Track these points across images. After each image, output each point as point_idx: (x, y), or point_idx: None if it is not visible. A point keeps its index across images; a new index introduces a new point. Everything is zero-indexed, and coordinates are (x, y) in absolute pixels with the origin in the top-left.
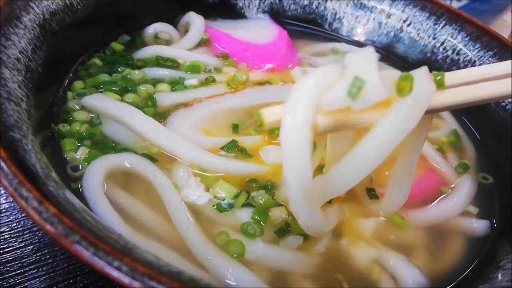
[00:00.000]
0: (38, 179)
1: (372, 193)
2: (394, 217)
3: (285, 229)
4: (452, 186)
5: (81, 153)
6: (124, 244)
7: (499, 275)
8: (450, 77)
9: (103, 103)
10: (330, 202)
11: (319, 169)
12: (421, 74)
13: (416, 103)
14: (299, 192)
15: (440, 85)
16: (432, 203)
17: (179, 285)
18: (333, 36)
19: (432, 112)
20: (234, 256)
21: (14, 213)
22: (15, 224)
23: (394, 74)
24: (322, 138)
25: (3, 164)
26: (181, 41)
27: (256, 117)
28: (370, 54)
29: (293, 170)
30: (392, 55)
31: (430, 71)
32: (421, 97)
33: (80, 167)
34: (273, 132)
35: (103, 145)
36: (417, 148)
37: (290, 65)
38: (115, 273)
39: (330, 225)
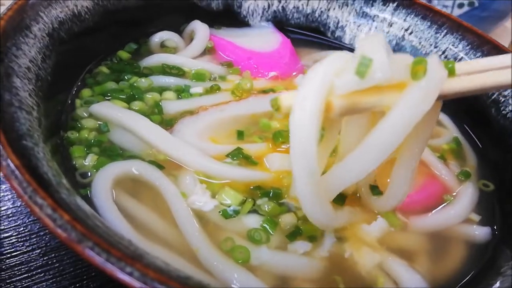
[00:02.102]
0: (50, 186)
1: (376, 190)
2: (390, 216)
3: (296, 233)
4: (454, 194)
5: (90, 160)
6: (134, 250)
7: (499, 282)
8: (460, 67)
9: (111, 110)
10: (341, 204)
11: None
12: (434, 60)
13: (430, 86)
14: (305, 178)
15: (451, 72)
16: (435, 210)
17: None
18: (336, 44)
19: (443, 98)
20: (239, 262)
21: (21, 217)
22: (22, 229)
23: (408, 58)
24: (336, 124)
25: (17, 172)
26: (186, 49)
27: (273, 102)
28: (379, 37)
29: (299, 153)
30: None
31: None
32: (435, 81)
33: (89, 174)
34: (278, 140)
35: (111, 152)
36: (425, 136)
37: (294, 73)
38: (126, 278)
39: (339, 221)
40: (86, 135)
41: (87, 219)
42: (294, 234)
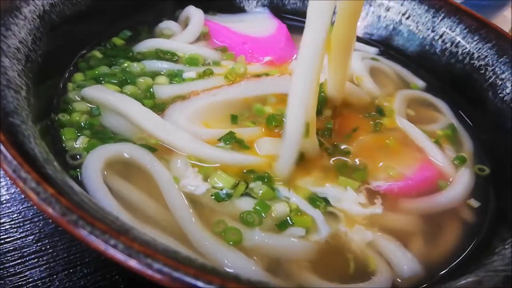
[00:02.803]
0: (36, 161)
1: None
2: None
3: (287, 223)
4: (450, 179)
5: (81, 142)
6: (120, 224)
7: (494, 261)
8: None
9: (103, 94)
10: None
11: None
12: None
13: None
14: None
15: None
16: (431, 195)
17: (174, 263)
18: None
19: None
20: (231, 243)
21: (15, 204)
22: (16, 215)
23: None
24: None
25: (2, 148)
26: (181, 35)
27: None
28: None
29: None
30: (391, 48)
31: (429, 63)
32: None
33: (79, 156)
34: (271, 124)
35: (102, 135)
36: None
37: (292, 59)
38: (111, 251)
39: None
40: (78, 118)
41: (73, 194)
42: (284, 224)
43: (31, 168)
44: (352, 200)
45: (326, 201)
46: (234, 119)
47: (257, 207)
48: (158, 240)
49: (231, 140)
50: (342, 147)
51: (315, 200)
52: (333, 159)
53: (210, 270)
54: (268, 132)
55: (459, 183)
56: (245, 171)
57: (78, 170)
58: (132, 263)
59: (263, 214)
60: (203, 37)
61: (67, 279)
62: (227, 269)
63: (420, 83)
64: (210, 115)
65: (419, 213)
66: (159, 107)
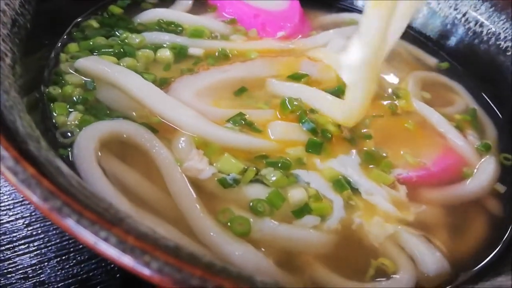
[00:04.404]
0: (16, 136)
1: None
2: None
3: (304, 210)
4: (476, 167)
5: (73, 118)
6: (114, 213)
7: None
8: None
9: (99, 66)
10: None
11: None
12: None
13: None
14: None
15: None
16: (454, 184)
17: (177, 261)
18: (346, 7)
19: None
20: (239, 234)
21: (5, 185)
22: (5, 197)
23: None
24: None
25: None
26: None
27: None
28: None
29: None
30: (409, 28)
31: (450, 44)
32: None
33: (71, 134)
34: (286, 109)
35: (97, 111)
36: None
37: (306, 35)
38: (102, 245)
39: None
40: (70, 92)
41: (59, 176)
42: (301, 211)
43: (9, 144)
44: (386, 197)
45: (355, 190)
46: (242, 91)
47: (270, 197)
48: (158, 232)
49: (241, 122)
50: (363, 131)
51: (341, 183)
52: (356, 145)
53: (219, 271)
54: (282, 116)
55: (485, 171)
56: (256, 156)
57: (69, 149)
58: (126, 259)
59: (276, 205)
60: (210, 9)
61: (59, 267)
62: (234, 261)
63: (434, 60)
64: (219, 93)
65: (442, 203)
66: (162, 81)
